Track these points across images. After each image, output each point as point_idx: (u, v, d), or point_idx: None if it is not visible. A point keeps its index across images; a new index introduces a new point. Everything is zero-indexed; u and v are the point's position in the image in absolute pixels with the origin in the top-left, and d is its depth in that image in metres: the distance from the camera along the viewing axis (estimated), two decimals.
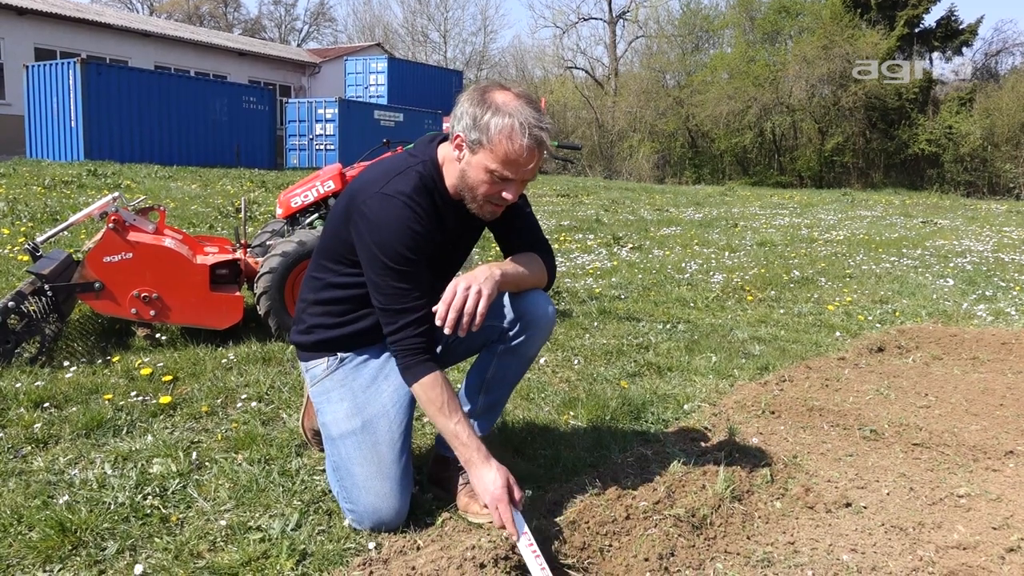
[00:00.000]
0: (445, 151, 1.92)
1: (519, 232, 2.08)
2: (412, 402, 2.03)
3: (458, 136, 1.84)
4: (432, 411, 1.83)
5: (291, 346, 3.29)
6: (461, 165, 1.85)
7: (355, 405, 1.98)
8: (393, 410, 1.97)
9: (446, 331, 1.80)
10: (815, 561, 1.84)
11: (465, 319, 1.78)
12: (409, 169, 1.90)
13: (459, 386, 2.17)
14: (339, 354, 2.05)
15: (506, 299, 2.03)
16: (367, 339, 2.05)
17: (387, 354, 2.07)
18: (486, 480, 1.78)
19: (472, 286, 1.79)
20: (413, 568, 1.64)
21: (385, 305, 1.84)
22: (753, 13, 29.98)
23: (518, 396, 2.98)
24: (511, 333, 2.01)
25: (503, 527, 1.75)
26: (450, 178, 1.91)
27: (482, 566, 1.63)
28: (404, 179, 1.87)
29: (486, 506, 1.80)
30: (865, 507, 2.13)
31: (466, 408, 2.09)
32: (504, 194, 1.83)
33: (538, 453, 2.42)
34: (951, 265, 7.25)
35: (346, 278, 1.96)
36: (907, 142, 25.90)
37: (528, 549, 1.69)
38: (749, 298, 5.37)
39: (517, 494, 1.79)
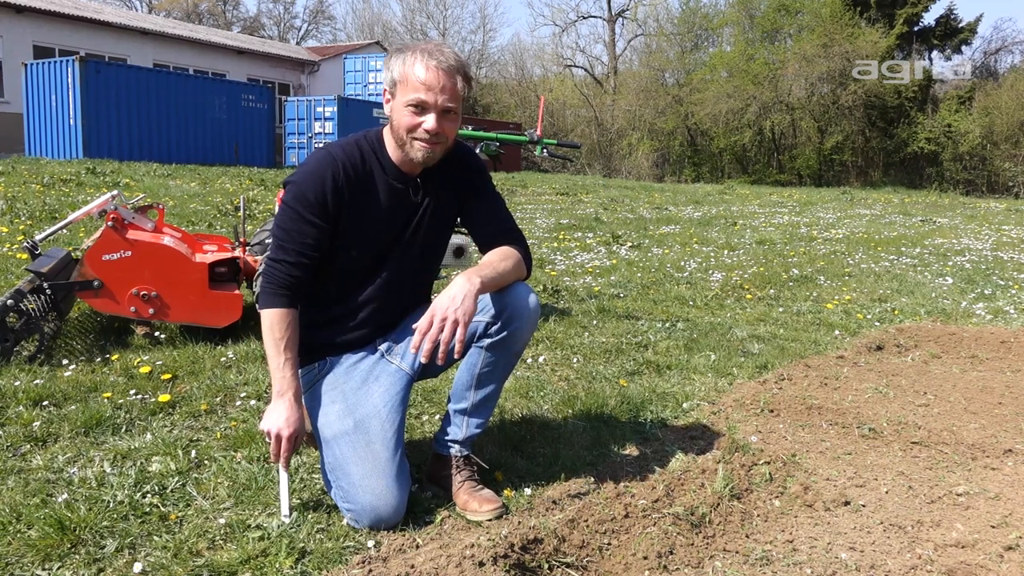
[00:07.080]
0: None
1: (490, 220, 2.12)
2: (404, 402, 2.04)
3: (384, 92, 1.98)
4: (270, 340, 1.91)
5: None
6: (390, 114, 1.96)
7: (347, 406, 1.98)
8: (385, 410, 1.98)
9: (422, 360, 1.81)
10: (814, 559, 1.84)
11: (442, 348, 1.79)
12: (351, 137, 2.04)
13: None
14: (328, 359, 2.07)
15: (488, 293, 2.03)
16: (337, 332, 2.07)
17: (377, 356, 2.09)
18: (283, 414, 1.89)
19: (448, 317, 1.79)
20: (412, 566, 1.64)
21: (276, 242, 1.94)
22: (752, 11, 29.96)
23: (517, 394, 2.98)
24: (496, 327, 2.00)
25: (276, 455, 1.90)
26: (391, 146, 2.00)
27: (481, 564, 1.63)
28: (341, 141, 2.02)
29: (267, 433, 1.90)
30: (864, 505, 2.13)
31: (459, 405, 2.09)
32: (424, 125, 1.89)
33: (537, 451, 2.42)
34: (950, 263, 7.25)
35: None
36: (906, 140, 25.92)
37: (284, 475, 1.92)
38: (748, 296, 5.37)
39: (296, 444, 1.92)
